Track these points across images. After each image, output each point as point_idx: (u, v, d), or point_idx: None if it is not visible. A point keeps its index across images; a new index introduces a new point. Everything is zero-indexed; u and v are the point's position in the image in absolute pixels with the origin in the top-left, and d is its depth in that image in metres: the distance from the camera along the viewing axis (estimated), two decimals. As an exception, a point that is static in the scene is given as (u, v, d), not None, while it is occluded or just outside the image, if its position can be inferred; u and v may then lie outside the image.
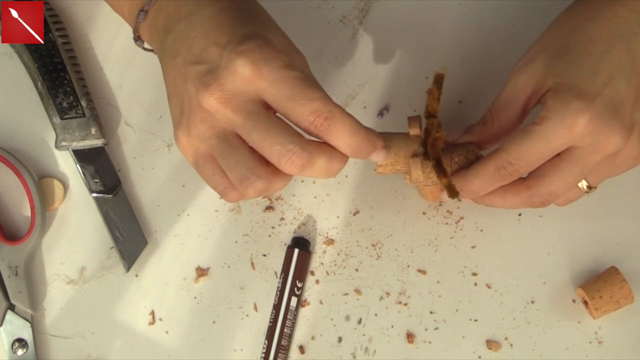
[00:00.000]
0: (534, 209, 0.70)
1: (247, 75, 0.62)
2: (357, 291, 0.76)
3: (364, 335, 0.75)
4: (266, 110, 0.64)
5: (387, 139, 0.70)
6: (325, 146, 0.64)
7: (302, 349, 0.75)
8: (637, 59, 0.67)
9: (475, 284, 0.76)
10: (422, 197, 0.77)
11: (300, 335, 0.75)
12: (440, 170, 0.70)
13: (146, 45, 0.72)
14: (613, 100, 0.66)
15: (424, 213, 0.78)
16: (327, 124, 0.63)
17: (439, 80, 0.70)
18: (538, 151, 0.66)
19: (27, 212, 0.77)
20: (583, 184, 0.70)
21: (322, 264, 0.77)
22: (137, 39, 0.71)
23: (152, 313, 0.76)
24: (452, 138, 0.72)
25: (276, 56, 0.63)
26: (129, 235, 0.76)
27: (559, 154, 0.67)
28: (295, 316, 0.75)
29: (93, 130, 0.77)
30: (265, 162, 0.64)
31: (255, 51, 0.63)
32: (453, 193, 0.69)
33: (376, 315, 0.76)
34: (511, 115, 0.70)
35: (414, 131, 0.71)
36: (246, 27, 0.65)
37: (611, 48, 0.67)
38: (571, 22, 0.69)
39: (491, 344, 0.75)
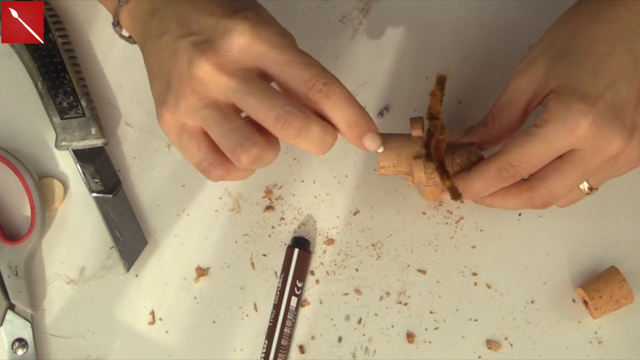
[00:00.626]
0: (534, 209, 0.70)
1: (245, 40, 0.62)
2: (357, 291, 0.76)
3: (364, 335, 0.75)
4: (261, 78, 0.63)
5: (388, 139, 0.71)
6: (319, 117, 0.63)
7: (302, 349, 0.75)
8: (639, 61, 0.67)
9: (475, 284, 0.76)
10: (422, 197, 0.77)
11: (300, 335, 0.75)
12: (443, 172, 0.70)
13: (124, 32, 0.71)
14: (615, 103, 0.66)
15: (424, 213, 0.78)
16: (327, 90, 0.62)
17: (441, 81, 0.70)
18: (540, 153, 0.66)
19: (27, 212, 0.77)
20: (584, 186, 0.70)
21: (322, 264, 0.77)
22: (117, 24, 0.71)
23: (152, 313, 0.76)
24: (454, 139, 0.72)
25: (273, 23, 0.63)
26: (129, 235, 0.76)
27: (560, 156, 0.67)
28: (295, 316, 0.75)
29: (93, 130, 0.77)
30: (259, 130, 0.64)
31: (252, 18, 0.62)
32: (456, 195, 0.69)
33: (376, 315, 0.76)
34: (512, 117, 0.70)
35: (416, 132, 0.71)
36: (238, 2, 0.64)
37: (613, 50, 0.67)
38: (572, 23, 0.69)
39: (491, 344, 0.75)
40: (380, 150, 0.71)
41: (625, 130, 0.66)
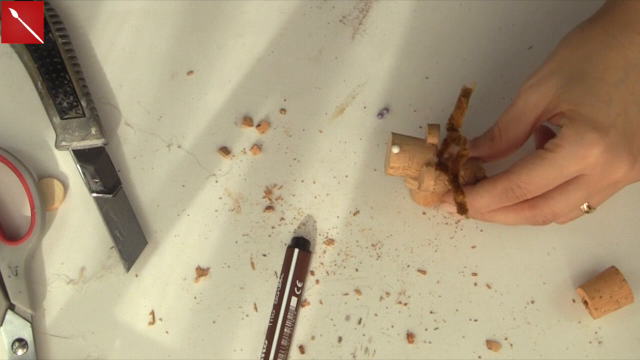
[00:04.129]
0: (533, 225, 0.72)
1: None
2: (357, 291, 0.76)
3: (364, 335, 0.75)
4: None
5: (403, 142, 0.71)
6: None
7: (302, 349, 0.75)
8: None
9: (475, 284, 0.76)
10: (412, 199, 0.77)
11: (300, 335, 0.75)
12: (457, 186, 0.71)
13: None
14: (625, 131, 0.67)
15: (424, 213, 0.78)
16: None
17: (467, 94, 0.71)
18: (549, 177, 0.67)
19: (27, 212, 0.77)
20: (584, 205, 0.71)
21: (322, 264, 0.77)
22: None
23: (152, 313, 0.76)
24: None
25: None
26: (129, 235, 0.76)
27: None
28: (295, 316, 0.75)
29: (93, 130, 0.77)
30: None
31: None
32: (463, 210, 0.71)
33: (376, 315, 0.76)
34: (520, 132, 0.70)
35: (432, 140, 0.71)
36: None
37: (626, 77, 0.67)
38: (587, 46, 0.69)
39: (491, 344, 0.75)
40: (396, 151, 0.71)
41: (631, 158, 0.67)
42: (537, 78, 0.69)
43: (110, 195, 0.77)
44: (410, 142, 0.71)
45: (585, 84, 0.67)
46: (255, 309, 0.76)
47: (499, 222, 0.72)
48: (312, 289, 0.76)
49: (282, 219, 0.78)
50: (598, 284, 0.74)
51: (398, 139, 0.72)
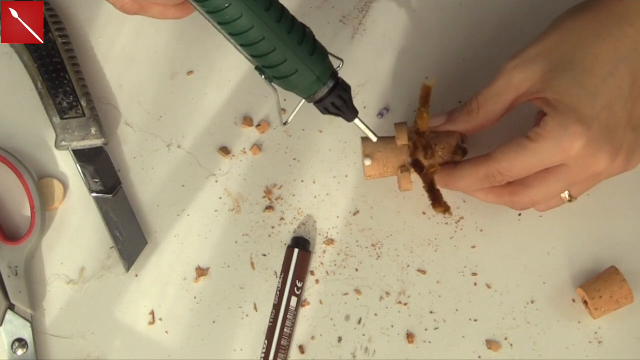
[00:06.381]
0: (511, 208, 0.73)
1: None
2: (357, 291, 0.76)
3: (364, 335, 0.75)
4: None
5: (374, 150, 0.72)
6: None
7: (302, 349, 0.75)
8: (637, 82, 0.67)
9: (475, 284, 0.76)
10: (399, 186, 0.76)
11: (300, 335, 0.75)
12: (434, 198, 0.72)
13: None
14: (609, 125, 0.67)
15: (424, 213, 0.78)
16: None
17: (426, 93, 0.71)
18: (530, 166, 0.68)
19: (27, 212, 0.77)
20: (566, 194, 0.71)
21: (322, 264, 0.77)
22: None
23: (152, 313, 0.76)
24: (436, 124, 0.73)
25: None
26: (129, 235, 0.76)
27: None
28: (295, 316, 0.75)
29: (93, 130, 0.77)
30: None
31: None
32: (446, 212, 0.73)
33: (376, 315, 0.76)
34: (498, 109, 0.71)
35: (402, 141, 0.72)
36: None
37: (615, 70, 0.67)
38: (579, 35, 0.68)
39: (491, 344, 0.75)
40: (368, 163, 0.72)
41: (614, 151, 0.67)
42: (523, 59, 0.69)
43: (110, 195, 0.77)
44: (381, 148, 0.72)
45: (572, 73, 0.67)
46: (255, 309, 0.76)
47: (479, 199, 0.73)
48: (312, 289, 0.76)
49: (282, 219, 0.78)
50: (598, 284, 0.74)
51: (369, 148, 0.73)
